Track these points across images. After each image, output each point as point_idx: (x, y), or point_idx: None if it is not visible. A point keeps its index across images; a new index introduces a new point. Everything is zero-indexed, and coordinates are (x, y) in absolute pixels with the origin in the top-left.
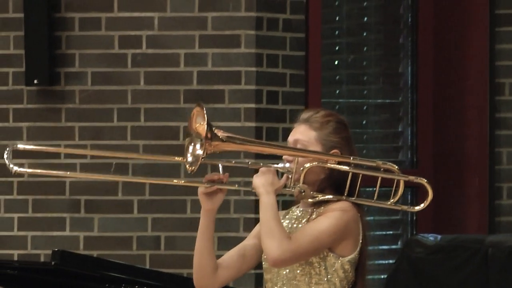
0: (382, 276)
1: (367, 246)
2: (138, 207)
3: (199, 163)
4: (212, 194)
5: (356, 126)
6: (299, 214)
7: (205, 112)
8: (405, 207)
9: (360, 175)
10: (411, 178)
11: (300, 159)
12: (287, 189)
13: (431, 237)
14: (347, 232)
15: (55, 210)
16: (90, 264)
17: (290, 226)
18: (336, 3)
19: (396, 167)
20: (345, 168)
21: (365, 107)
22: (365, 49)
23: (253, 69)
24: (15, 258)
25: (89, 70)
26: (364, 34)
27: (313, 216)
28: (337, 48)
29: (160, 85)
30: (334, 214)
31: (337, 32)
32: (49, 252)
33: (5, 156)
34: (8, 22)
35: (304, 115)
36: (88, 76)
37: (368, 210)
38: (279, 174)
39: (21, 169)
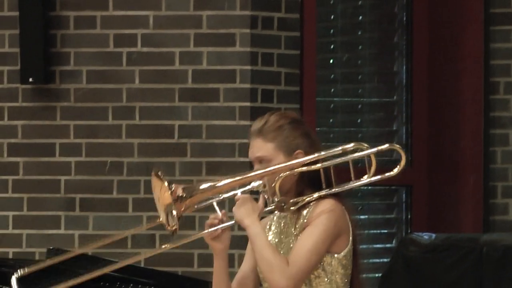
0: (377, 275)
1: (357, 232)
2: (133, 206)
3: (178, 223)
4: (219, 236)
5: (351, 124)
6: (285, 223)
7: (161, 176)
8: (384, 176)
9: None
10: (382, 148)
11: (270, 175)
12: (268, 208)
13: (425, 236)
14: (338, 230)
15: (50, 208)
16: (85, 262)
17: (278, 239)
18: (331, 1)
19: (364, 144)
20: (315, 166)
21: (359, 106)
22: (360, 47)
23: (248, 67)
24: (10, 256)
25: (84, 69)
26: (359, 32)
27: (300, 221)
28: (332, 46)
29: (155, 83)
30: (321, 220)
31: (332, 30)
32: (44, 250)
33: (14, 286)
34: (3, 21)
35: (256, 126)
36: (83, 75)
37: (362, 209)
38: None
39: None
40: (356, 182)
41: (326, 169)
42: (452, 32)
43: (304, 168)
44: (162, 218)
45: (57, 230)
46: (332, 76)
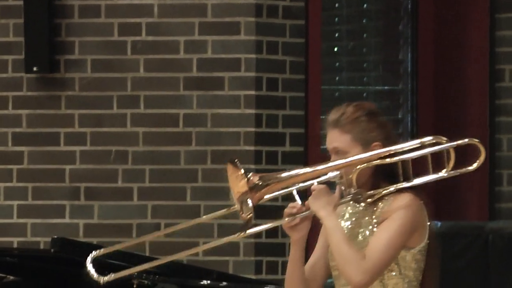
0: None
1: (434, 230)
2: (138, 195)
3: (253, 211)
4: (297, 225)
5: None
6: (360, 213)
7: (238, 164)
8: (461, 170)
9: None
10: (460, 142)
11: (346, 167)
12: (344, 199)
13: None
14: (415, 225)
15: (55, 198)
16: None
17: (352, 229)
18: None
19: (444, 138)
20: (393, 159)
21: (365, 94)
22: (365, 36)
23: (253, 56)
24: (15, 246)
25: (89, 58)
26: (364, 21)
27: (377, 213)
28: (337, 35)
29: (160, 72)
30: (399, 214)
31: (337, 19)
32: (49, 239)
33: (89, 266)
34: (7, 10)
35: (333, 117)
36: (88, 64)
37: None
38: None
39: (109, 277)
40: (434, 176)
41: (404, 162)
42: (458, 20)
43: (382, 161)
44: (237, 206)
45: (62, 219)
46: (337, 64)
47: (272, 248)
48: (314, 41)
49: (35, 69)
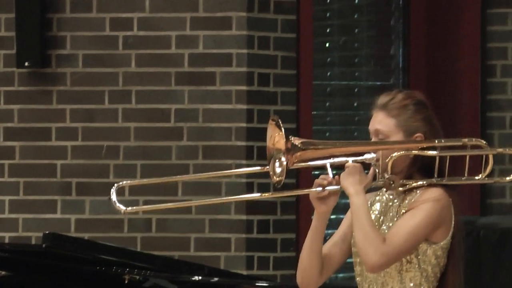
0: None
1: (460, 230)
2: (129, 190)
3: (285, 175)
4: (325, 197)
5: (348, 108)
6: (388, 200)
7: (281, 124)
8: (497, 179)
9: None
10: (500, 150)
11: (384, 151)
12: (376, 183)
13: None
14: (440, 221)
15: (46, 193)
16: (81, 246)
17: (378, 218)
18: None
19: (484, 142)
20: (432, 153)
21: (356, 89)
22: (356, 31)
23: (245, 51)
24: (6, 241)
25: (81, 52)
26: (356, 16)
27: (404, 203)
28: (328, 30)
29: (151, 67)
30: (427, 206)
31: (328, 14)
32: (40, 234)
33: (112, 196)
34: None
35: (381, 100)
36: (80, 58)
37: None
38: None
39: (131, 208)
40: (468, 179)
41: (442, 159)
42: (449, 15)
43: (420, 152)
44: (270, 168)
45: (53, 215)
46: (329, 59)
47: (263, 243)
48: (306, 36)
49: (26, 64)
